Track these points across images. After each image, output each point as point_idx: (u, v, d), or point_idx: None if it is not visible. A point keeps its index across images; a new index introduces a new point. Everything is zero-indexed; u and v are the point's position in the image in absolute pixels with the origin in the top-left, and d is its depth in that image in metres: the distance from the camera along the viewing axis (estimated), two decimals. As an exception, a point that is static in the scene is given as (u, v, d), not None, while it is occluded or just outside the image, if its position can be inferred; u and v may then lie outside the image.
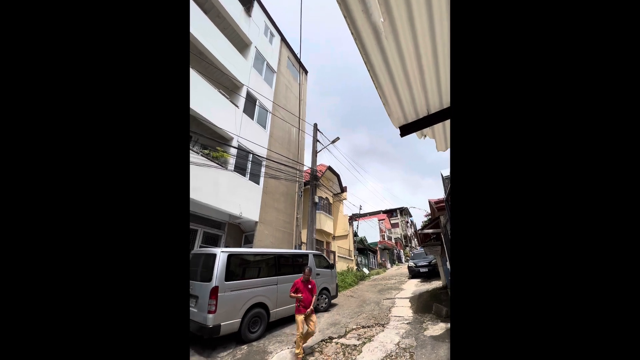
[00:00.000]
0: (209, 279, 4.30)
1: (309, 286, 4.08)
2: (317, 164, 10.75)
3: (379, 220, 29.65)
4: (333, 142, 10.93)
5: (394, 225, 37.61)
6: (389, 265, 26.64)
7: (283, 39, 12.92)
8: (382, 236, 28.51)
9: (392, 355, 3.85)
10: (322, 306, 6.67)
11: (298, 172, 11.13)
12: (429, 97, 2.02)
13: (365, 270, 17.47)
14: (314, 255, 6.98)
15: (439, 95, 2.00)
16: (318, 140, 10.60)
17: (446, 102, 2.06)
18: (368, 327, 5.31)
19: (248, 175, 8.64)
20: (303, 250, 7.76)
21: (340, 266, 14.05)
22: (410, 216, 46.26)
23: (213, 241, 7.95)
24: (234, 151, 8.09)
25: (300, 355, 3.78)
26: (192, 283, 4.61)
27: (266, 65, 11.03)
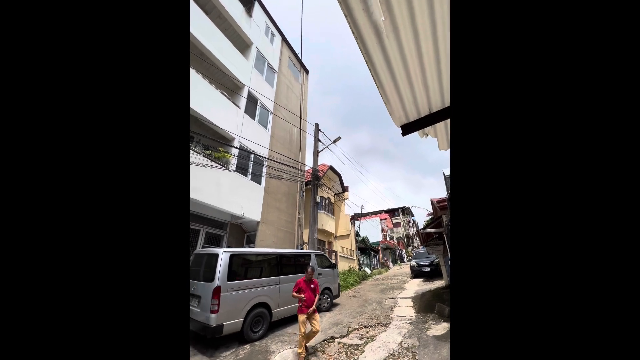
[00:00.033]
0: (212, 279, 4.31)
1: (312, 286, 4.08)
2: (319, 163, 10.75)
3: (381, 219, 29.61)
4: (334, 141, 10.93)
5: (396, 225, 37.55)
6: (391, 264, 26.60)
7: (284, 39, 12.93)
8: (384, 236, 28.48)
9: (395, 355, 3.84)
10: (324, 306, 6.67)
11: (299, 172, 11.13)
12: (431, 96, 2.01)
13: (367, 270, 17.46)
14: (316, 255, 6.98)
15: (441, 93, 1.99)
16: (319, 140, 10.60)
17: (448, 100, 2.05)
18: (370, 326, 5.30)
19: (250, 175, 8.66)
20: (305, 250, 7.77)
21: (342, 266, 14.04)
22: (412, 215, 46.16)
23: (215, 241, 7.98)
24: (235, 151, 8.11)
25: (303, 355, 3.78)
26: (195, 283, 4.63)
27: (267, 65, 11.04)
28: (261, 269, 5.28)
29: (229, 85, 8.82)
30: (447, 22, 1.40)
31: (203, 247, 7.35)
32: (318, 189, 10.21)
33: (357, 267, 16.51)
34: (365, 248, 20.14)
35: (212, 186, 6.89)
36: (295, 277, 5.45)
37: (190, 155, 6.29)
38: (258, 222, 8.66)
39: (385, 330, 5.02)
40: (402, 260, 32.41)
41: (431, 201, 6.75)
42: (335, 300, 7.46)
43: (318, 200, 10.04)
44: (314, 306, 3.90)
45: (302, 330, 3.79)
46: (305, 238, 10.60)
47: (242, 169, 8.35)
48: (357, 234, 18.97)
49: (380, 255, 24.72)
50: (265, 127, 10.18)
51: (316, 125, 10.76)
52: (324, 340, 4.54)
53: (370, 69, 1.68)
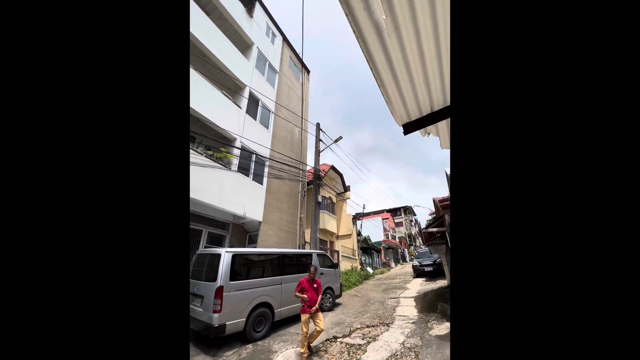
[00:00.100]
0: (214, 279, 4.33)
1: (315, 285, 4.08)
2: (320, 163, 10.76)
3: (383, 219, 29.54)
4: (336, 141, 10.92)
5: (398, 224, 37.47)
6: (393, 264, 26.56)
7: (285, 39, 12.94)
8: (386, 235, 28.42)
9: (397, 355, 3.84)
10: (326, 305, 6.67)
11: (301, 171, 11.14)
12: (433, 95, 2.00)
13: (369, 270, 17.44)
14: (318, 254, 6.98)
15: (443, 92, 1.98)
16: (321, 140, 10.60)
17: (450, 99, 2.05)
18: (373, 326, 5.30)
19: (251, 175, 8.68)
20: (307, 250, 7.77)
21: (344, 265, 14.04)
22: (415, 215, 46.05)
23: (217, 241, 8.00)
24: (237, 152, 8.13)
25: (305, 355, 3.78)
26: (198, 283, 4.65)
27: (268, 65, 11.05)
28: (263, 268, 5.30)
29: (230, 86, 8.84)
30: (448, 19, 1.40)
31: (205, 247, 7.38)
32: (320, 188, 10.21)
33: (359, 266, 16.50)
34: (367, 248, 20.12)
35: (214, 187, 6.91)
36: (297, 277, 5.46)
37: (192, 155, 6.31)
38: (260, 222, 8.68)
39: (387, 330, 5.01)
40: (404, 260, 32.35)
41: (433, 200, 6.73)
42: (337, 300, 7.46)
43: (320, 199, 10.04)
44: (316, 306, 3.91)
45: (305, 329, 3.79)
46: (307, 238, 10.61)
47: (243, 169, 8.36)
48: (359, 234, 18.96)
49: (382, 255, 24.69)
50: (267, 127, 10.20)
51: (317, 125, 10.76)
52: (326, 340, 4.54)
53: (371, 68, 1.67)
